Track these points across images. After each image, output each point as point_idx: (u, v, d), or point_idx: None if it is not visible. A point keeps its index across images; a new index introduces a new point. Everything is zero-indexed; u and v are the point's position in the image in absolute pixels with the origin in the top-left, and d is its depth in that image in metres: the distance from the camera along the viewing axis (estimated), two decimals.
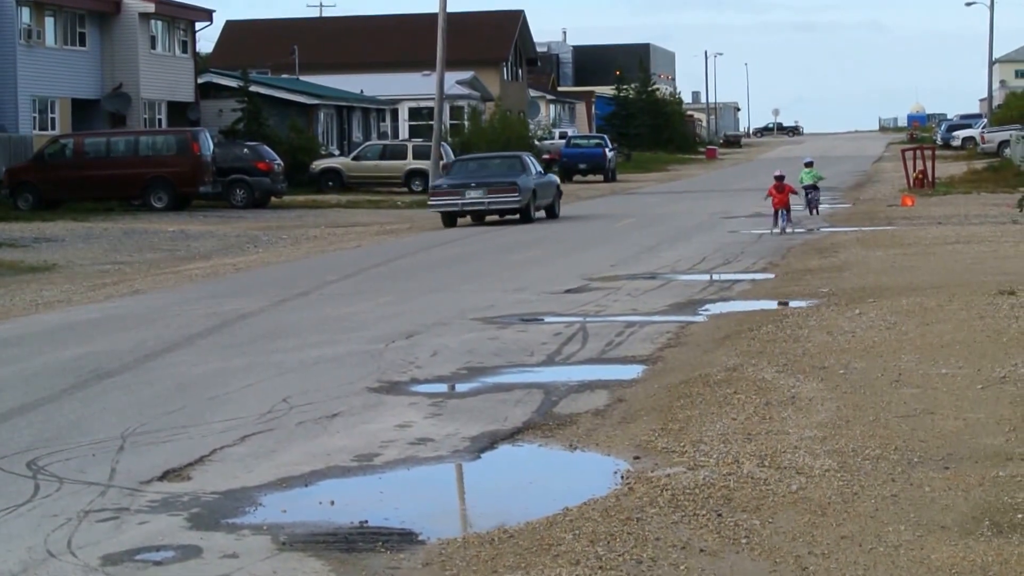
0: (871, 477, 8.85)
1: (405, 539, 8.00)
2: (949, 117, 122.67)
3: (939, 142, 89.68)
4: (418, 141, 60.28)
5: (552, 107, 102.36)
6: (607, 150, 71.39)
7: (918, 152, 49.43)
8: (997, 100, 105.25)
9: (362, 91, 70.86)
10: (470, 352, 14.82)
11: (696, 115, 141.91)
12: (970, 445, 9.54)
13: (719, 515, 8.14)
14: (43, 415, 12.07)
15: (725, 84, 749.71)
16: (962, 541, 7.51)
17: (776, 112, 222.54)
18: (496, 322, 17.21)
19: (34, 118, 49.61)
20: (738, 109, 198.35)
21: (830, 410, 10.86)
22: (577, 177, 68.57)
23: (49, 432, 11.30)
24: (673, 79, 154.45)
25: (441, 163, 48.66)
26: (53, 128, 50.30)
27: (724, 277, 22.12)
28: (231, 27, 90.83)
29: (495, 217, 38.17)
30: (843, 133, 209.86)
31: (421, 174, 54.39)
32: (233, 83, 60.86)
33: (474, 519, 8.62)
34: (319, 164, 58.79)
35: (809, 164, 36.61)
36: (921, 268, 21.41)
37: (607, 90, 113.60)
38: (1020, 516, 7.89)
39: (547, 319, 17.47)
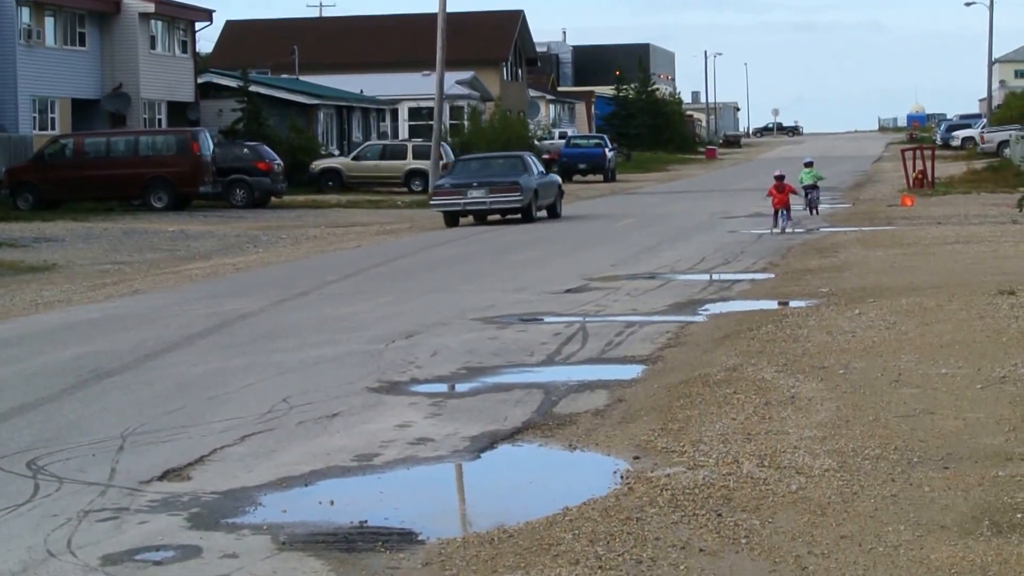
0: (871, 477, 8.85)
1: (405, 539, 8.00)
2: (949, 117, 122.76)
3: (939, 142, 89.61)
4: (418, 141, 60.27)
5: (552, 107, 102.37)
6: (607, 150, 71.40)
7: (918, 152, 49.39)
8: (997, 100, 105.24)
9: (362, 91, 70.85)
10: (470, 352, 14.81)
11: (696, 115, 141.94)
12: (970, 445, 9.54)
13: (719, 515, 8.14)
14: (43, 415, 12.07)
15: (725, 84, 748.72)
16: (962, 541, 7.51)
17: (776, 112, 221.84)
18: (496, 322, 17.21)
19: (34, 118, 49.61)
20: (738, 109, 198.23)
21: (830, 410, 10.85)
22: (577, 177, 68.53)
23: (49, 432, 11.30)
24: (673, 79, 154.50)
25: (441, 163, 48.69)
26: (53, 128, 50.29)
27: (724, 277, 22.11)
28: (231, 27, 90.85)
29: (496, 217, 38.18)
30: (843, 133, 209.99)
31: (421, 174, 54.39)
32: (233, 83, 60.86)
33: (474, 519, 8.62)
34: (319, 164, 58.77)
35: (809, 164, 36.61)
36: (921, 268, 21.41)
37: (607, 90, 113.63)
38: (1020, 516, 7.89)
39: (547, 319, 17.47)
